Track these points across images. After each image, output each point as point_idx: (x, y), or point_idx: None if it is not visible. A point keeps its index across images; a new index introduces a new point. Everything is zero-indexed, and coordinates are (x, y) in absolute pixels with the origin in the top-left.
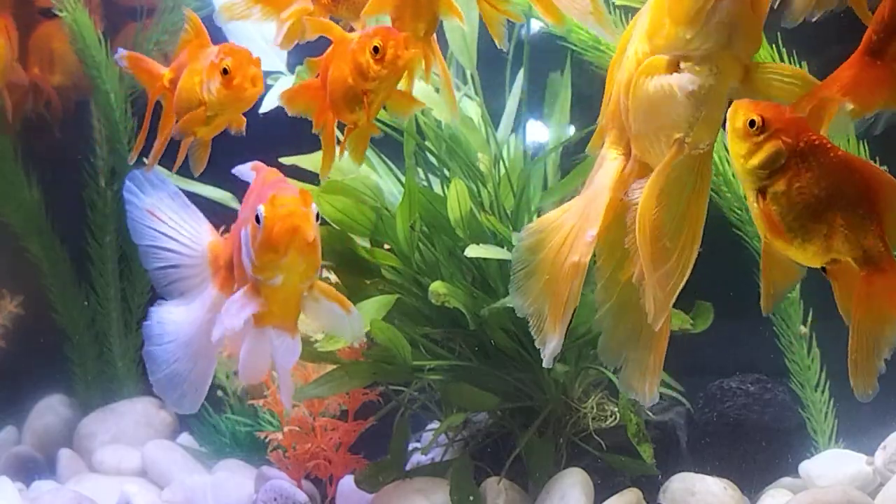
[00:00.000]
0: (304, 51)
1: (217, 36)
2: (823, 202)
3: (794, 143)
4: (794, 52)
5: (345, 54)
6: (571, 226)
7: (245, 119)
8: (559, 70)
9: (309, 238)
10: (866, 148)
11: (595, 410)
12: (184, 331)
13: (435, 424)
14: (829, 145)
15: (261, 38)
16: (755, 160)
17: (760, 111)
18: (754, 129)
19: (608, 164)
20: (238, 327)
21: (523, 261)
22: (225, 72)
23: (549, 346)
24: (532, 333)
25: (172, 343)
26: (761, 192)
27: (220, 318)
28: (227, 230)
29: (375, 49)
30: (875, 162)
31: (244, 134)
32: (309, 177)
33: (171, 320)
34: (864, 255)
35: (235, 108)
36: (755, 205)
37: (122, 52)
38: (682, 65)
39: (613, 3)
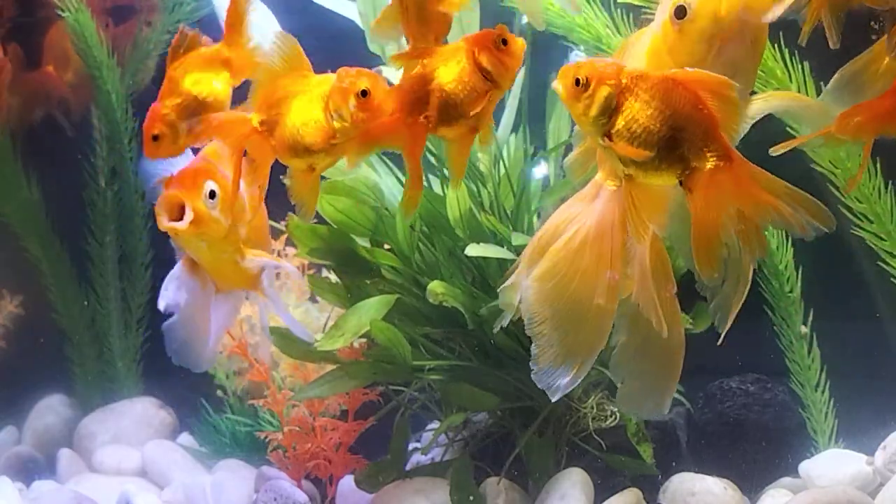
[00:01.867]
0: (303, 51)
1: (217, 36)
2: (661, 121)
3: (618, 81)
4: (796, 53)
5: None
6: (587, 268)
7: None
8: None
9: (188, 217)
10: (878, 170)
11: (595, 410)
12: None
13: (435, 424)
14: (649, 74)
15: (261, 39)
16: (592, 111)
17: (578, 70)
18: (580, 86)
19: (611, 196)
20: (176, 297)
21: (536, 313)
22: (364, 94)
23: (556, 380)
24: (533, 357)
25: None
26: (607, 136)
27: (162, 290)
28: None
29: (504, 41)
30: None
31: None
32: None
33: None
34: (709, 154)
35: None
36: (608, 150)
37: (187, 125)
38: None
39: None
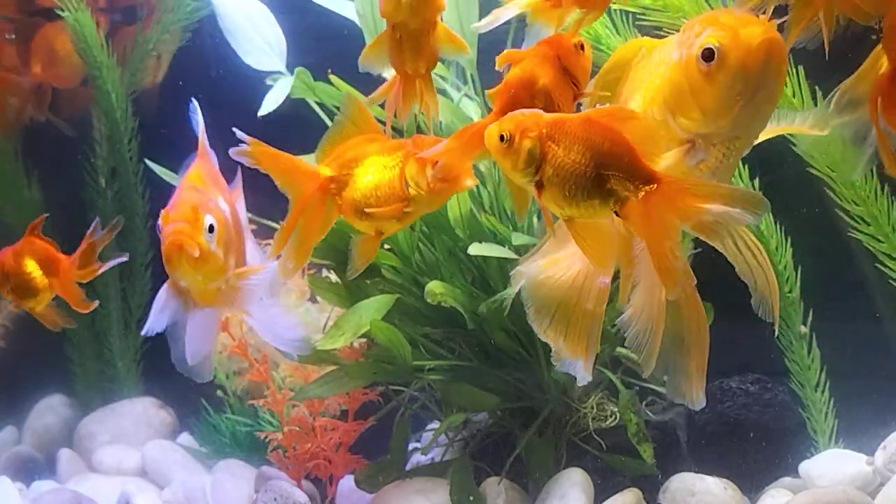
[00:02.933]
0: (303, 51)
1: (217, 36)
2: (586, 162)
3: (539, 132)
4: (791, 52)
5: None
6: (578, 270)
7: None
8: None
9: (193, 254)
10: (874, 172)
11: (595, 410)
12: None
13: (435, 424)
14: (566, 119)
15: (260, 39)
16: (520, 164)
17: (501, 127)
18: (504, 142)
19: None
20: (161, 321)
21: (531, 298)
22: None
23: (578, 368)
24: (553, 358)
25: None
26: (538, 185)
27: (152, 311)
28: None
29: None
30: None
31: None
32: None
33: None
34: (636, 182)
35: (436, 203)
36: (541, 200)
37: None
38: (699, 143)
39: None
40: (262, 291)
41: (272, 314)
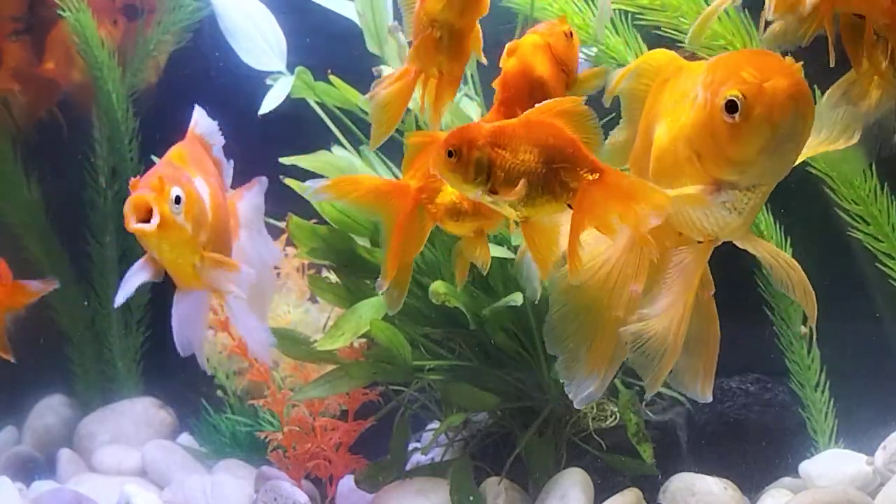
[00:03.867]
0: (303, 51)
1: (217, 36)
2: (534, 161)
3: (483, 140)
4: (791, 52)
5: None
6: (610, 275)
7: None
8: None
9: (156, 221)
10: (874, 172)
11: (595, 410)
12: None
13: (435, 424)
14: (506, 124)
15: (261, 39)
16: (471, 175)
17: (446, 144)
18: (453, 157)
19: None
20: (129, 289)
21: (559, 302)
22: None
23: (584, 389)
24: (560, 372)
25: None
26: (492, 192)
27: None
28: None
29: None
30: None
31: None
32: (308, 176)
33: None
34: (583, 172)
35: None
36: (496, 205)
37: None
38: (727, 186)
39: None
40: (237, 288)
41: (248, 316)
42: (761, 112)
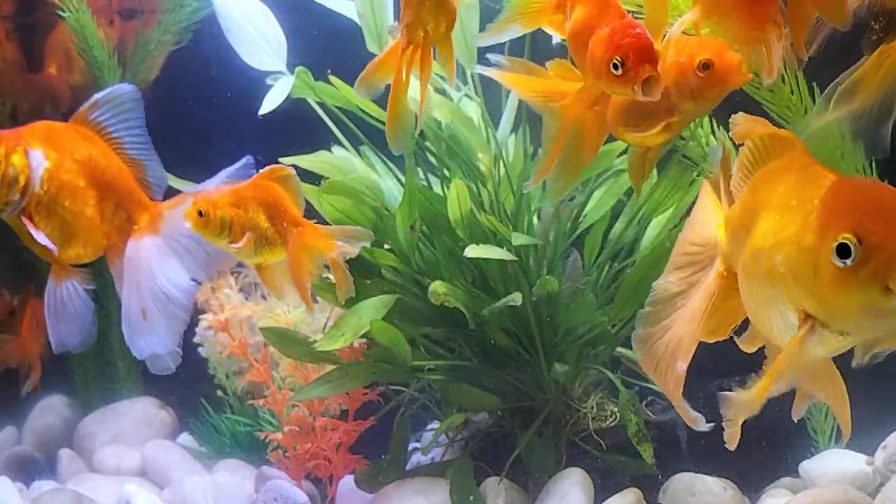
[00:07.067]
0: (303, 51)
1: (217, 36)
2: (261, 215)
3: (224, 202)
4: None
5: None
6: (681, 332)
7: None
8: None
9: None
10: (874, 168)
11: (595, 410)
12: None
13: (435, 424)
14: (239, 188)
15: (261, 39)
16: (216, 230)
17: (196, 206)
18: (203, 216)
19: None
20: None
21: (646, 366)
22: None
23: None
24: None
25: None
26: (234, 242)
27: None
28: None
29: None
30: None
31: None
32: (308, 176)
33: None
34: (290, 224)
35: (706, 106)
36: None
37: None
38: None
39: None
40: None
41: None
42: (878, 263)
